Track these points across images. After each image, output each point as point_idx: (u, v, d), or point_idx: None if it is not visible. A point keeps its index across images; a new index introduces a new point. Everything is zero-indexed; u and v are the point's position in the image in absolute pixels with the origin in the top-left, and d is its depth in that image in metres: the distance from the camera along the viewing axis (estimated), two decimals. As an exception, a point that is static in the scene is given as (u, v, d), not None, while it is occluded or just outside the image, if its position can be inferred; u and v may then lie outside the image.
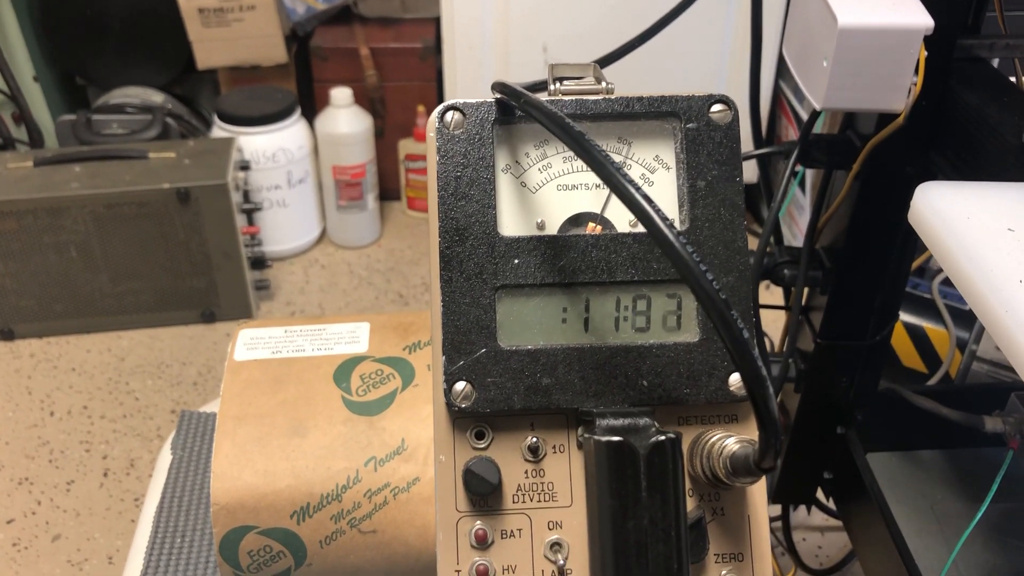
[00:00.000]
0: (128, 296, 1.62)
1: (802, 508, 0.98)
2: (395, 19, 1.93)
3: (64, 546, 1.24)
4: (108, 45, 1.92)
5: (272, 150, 1.72)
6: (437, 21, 1.82)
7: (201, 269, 1.61)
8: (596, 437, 0.32)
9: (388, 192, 2.00)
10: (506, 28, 1.66)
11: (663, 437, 0.31)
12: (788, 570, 1.05)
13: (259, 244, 1.69)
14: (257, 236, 1.68)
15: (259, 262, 1.68)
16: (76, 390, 1.51)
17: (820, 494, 0.94)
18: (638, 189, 0.29)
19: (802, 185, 1.64)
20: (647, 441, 0.31)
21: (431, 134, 0.38)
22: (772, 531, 1.08)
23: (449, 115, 0.38)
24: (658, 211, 0.29)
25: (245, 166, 1.67)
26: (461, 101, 0.38)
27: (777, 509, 0.98)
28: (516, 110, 0.38)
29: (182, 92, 2.01)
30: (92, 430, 1.43)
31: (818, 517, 1.13)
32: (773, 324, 0.97)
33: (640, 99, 0.39)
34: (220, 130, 1.74)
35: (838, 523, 0.93)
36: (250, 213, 1.67)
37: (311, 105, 1.91)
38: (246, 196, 1.67)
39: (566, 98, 0.39)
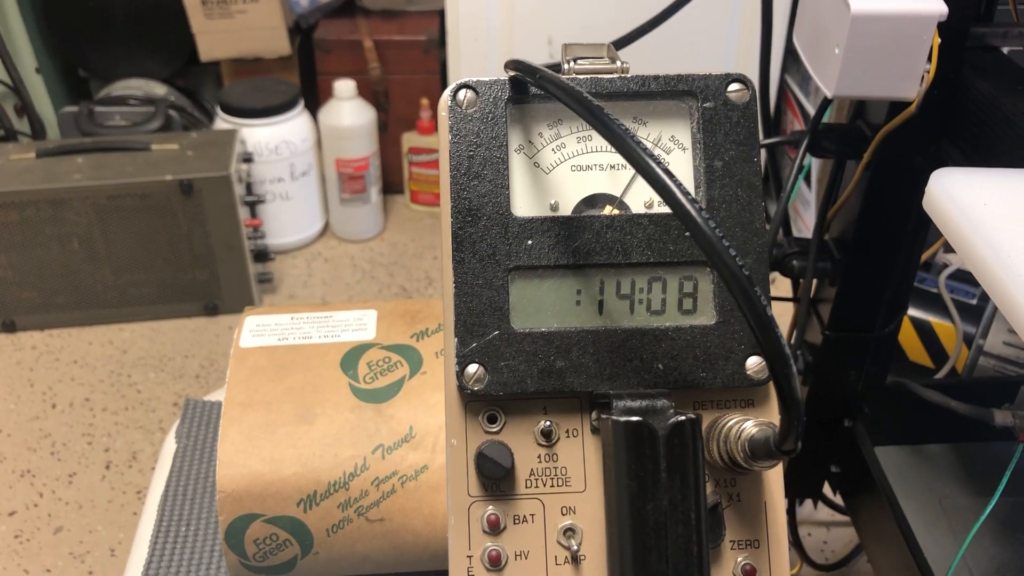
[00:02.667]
0: (130, 288, 1.62)
1: (808, 503, 0.97)
2: (399, 11, 1.93)
3: (66, 538, 1.24)
4: (110, 37, 1.91)
5: (275, 142, 1.72)
6: (441, 13, 1.81)
7: (204, 261, 1.61)
8: (614, 418, 0.31)
9: (391, 185, 2.00)
10: (511, 20, 1.65)
11: (683, 418, 0.31)
12: (793, 565, 1.04)
13: (262, 237, 1.69)
14: (260, 229, 1.67)
15: (262, 255, 1.67)
16: (78, 382, 1.51)
17: (826, 488, 0.94)
18: (659, 163, 0.28)
19: (807, 179, 1.63)
20: (666, 422, 0.31)
21: (443, 113, 0.38)
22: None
23: (462, 93, 0.38)
24: (680, 186, 0.28)
25: (248, 158, 1.67)
26: (474, 79, 0.38)
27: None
28: (529, 89, 0.38)
29: (185, 84, 2.00)
30: (94, 422, 1.43)
31: (824, 512, 1.13)
32: (780, 317, 0.96)
33: (656, 78, 0.38)
34: (223, 122, 1.74)
35: (844, 518, 0.92)
36: (253, 205, 1.66)
37: (314, 98, 1.90)
38: (249, 188, 1.66)
39: (581, 76, 0.38)
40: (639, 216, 0.37)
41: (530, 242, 0.37)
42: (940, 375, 1.16)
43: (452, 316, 0.36)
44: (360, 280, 1.78)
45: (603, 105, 0.38)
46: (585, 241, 0.37)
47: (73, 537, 1.24)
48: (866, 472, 0.80)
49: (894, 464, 0.83)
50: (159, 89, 1.91)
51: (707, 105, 0.37)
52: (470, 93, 0.38)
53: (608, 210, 0.38)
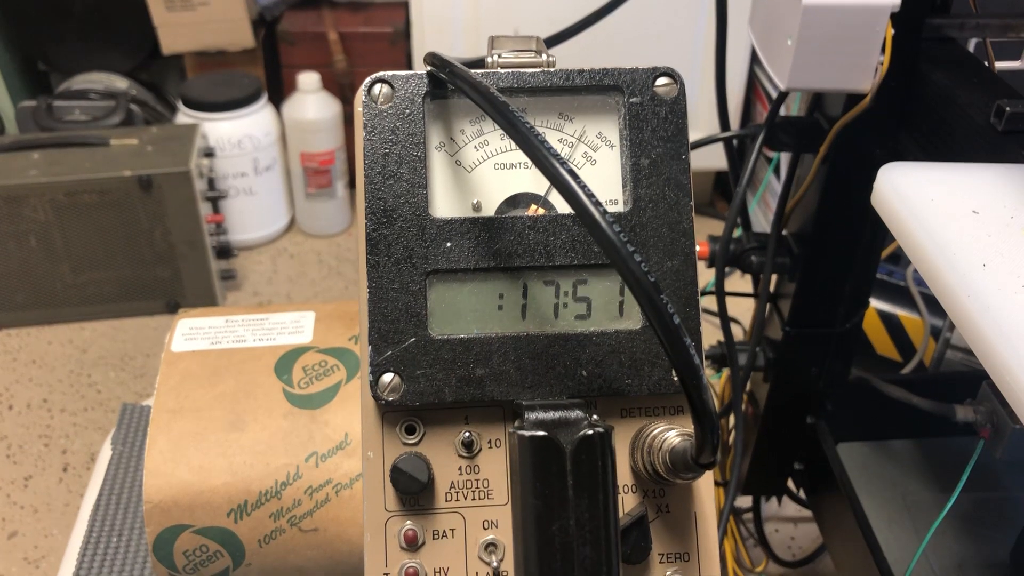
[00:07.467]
0: (90, 286, 1.58)
1: (776, 498, 0.96)
2: (365, 3, 1.90)
3: (21, 543, 1.21)
4: (70, 29, 1.87)
5: (238, 136, 1.69)
6: (407, 5, 1.79)
7: (165, 258, 1.58)
8: (520, 432, 0.30)
9: (359, 180, 1.97)
10: (477, 12, 1.63)
11: (591, 431, 0.29)
12: (760, 562, 1.03)
13: (224, 233, 1.66)
14: (222, 225, 1.64)
15: (225, 251, 1.64)
16: (36, 383, 1.47)
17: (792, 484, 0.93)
18: (563, 164, 0.27)
19: (777, 171, 1.62)
20: (575, 436, 0.29)
21: (359, 109, 0.36)
22: (743, 522, 1.06)
23: (377, 88, 0.36)
24: (584, 187, 0.26)
25: (210, 153, 1.63)
26: (390, 73, 0.36)
27: (748, 500, 0.97)
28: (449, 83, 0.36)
29: (148, 78, 1.97)
30: (52, 424, 1.40)
31: (791, 507, 1.12)
32: (747, 311, 0.95)
33: (581, 72, 0.36)
34: (185, 116, 1.70)
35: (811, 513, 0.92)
36: (215, 201, 1.63)
37: (279, 91, 1.87)
38: (211, 184, 1.63)
39: (503, 70, 0.36)
40: (563, 216, 0.35)
41: (449, 244, 0.35)
42: (907, 369, 1.15)
43: (367, 323, 0.35)
44: (327, 276, 1.75)
45: (527, 100, 0.37)
46: (507, 243, 0.35)
47: (28, 542, 1.21)
48: (828, 469, 0.79)
49: (856, 460, 0.82)
50: (120, 83, 1.87)
51: (633, 100, 0.36)
52: (386, 88, 0.36)
53: (533, 209, 0.36)
